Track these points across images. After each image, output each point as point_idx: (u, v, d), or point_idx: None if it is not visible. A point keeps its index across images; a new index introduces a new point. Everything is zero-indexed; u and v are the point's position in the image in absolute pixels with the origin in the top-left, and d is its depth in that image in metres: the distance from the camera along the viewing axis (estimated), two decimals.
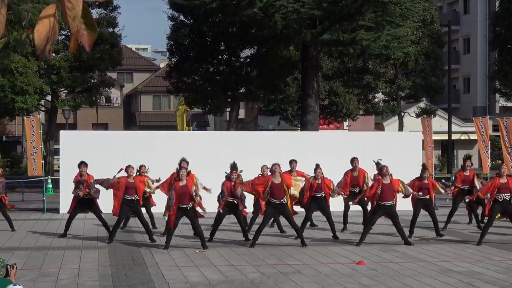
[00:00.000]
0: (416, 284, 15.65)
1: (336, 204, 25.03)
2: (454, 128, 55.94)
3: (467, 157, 27.86)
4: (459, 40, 74.26)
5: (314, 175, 22.46)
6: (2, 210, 24.53)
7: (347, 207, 24.68)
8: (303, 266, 17.88)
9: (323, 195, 22.38)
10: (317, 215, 23.82)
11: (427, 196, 22.93)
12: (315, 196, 22.40)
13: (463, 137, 65.85)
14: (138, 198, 21.86)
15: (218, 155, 29.00)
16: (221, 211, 21.72)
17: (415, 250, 20.49)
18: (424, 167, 24.20)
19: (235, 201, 21.79)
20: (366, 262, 18.32)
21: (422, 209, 23.11)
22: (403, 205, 23.98)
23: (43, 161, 31.99)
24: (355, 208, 24.82)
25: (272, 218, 23.05)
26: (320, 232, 24.17)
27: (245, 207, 22.13)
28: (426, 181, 23.14)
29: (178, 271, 17.11)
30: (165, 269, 17.28)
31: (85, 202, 22.80)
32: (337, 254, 19.75)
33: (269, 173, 22.04)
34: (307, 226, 23.60)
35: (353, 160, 24.53)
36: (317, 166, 22.62)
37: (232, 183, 21.75)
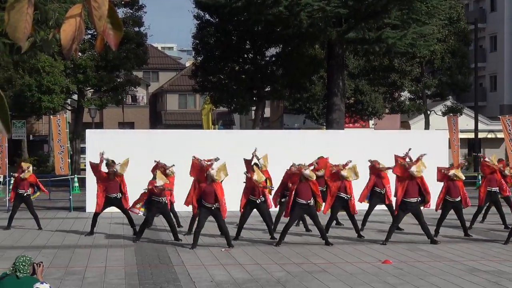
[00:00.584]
0: (443, 283, 15.58)
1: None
2: (480, 126, 55.51)
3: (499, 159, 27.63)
4: (486, 38, 73.72)
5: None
6: (30, 208, 24.65)
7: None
8: (329, 265, 17.85)
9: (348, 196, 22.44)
10: (341, 214, 23.77)
11: (458, 198, 22.64)
12: (339, 196, 22.42)
13: (490, 135, 65.36)
14: (166, 200, 21.92)
15: (241, 154, 28.97)
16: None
17: (441, 249, 20.39)
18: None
19: (257, 201, 21.82)
20: (392, 261, 18.26)
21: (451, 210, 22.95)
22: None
23: (69, 160, 32.15)
24: (380, 207, 24.79)
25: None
26: (346, 231, 24.10)
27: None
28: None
29: (204, 269, 17.14)
30: (191, 268, 17.32)
31: (112, 200, 22.89)
32: (363, 253, 19.70)
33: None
34: (333, 225, 23.58)
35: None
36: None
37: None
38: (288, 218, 21.02)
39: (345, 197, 22.39)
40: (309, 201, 20.61)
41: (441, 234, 22.84)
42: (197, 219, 21.00)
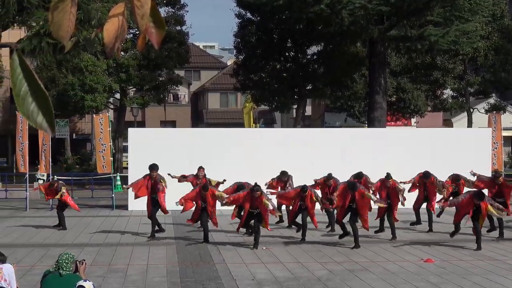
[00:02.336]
0: (486, 282, 15.45)
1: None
2: None
3: None
4: None
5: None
6: (60, 208, 24.56)
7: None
8: (370, 263, 17.79)
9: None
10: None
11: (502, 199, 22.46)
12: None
13: None
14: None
15: (286, 152, 28.97)
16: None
17: (484, 248, 20.18)
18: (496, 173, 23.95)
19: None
20: (434, 260, 18.15)
21: None
22: None
23: (111, 159, 32.38)
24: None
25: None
26: (388, 230, 23.96)
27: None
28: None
29: (245, 267, 17.17)
30: (232, 266, 17.36)
31: (154, 201, 22.86)
32: (405, 252, 19.59)
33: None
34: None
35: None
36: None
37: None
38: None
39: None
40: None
41: (484, 234, 22.64)
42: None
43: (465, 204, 20.08)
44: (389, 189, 22.03)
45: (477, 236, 20.07)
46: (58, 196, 24.22)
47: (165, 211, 22.48)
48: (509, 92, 60.34)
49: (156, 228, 22.34)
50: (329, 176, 23.15)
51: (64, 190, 24.36)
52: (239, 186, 21.88)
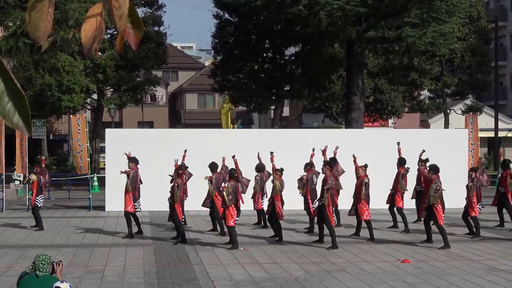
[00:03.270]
0: (462, 282, 15.53)
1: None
2: (501, 125, 55.25)
3: None
4: (506, 36, 73.34)
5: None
6: (35, 209, 24.45)
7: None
8: (347, 264, 17.83)
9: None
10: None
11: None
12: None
13: (510, 134, 65.06)
14: None
15: (261, 153, 28.97)
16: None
17: (460, 248, 20.32)
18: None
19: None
20: (411, 260, 18.22)
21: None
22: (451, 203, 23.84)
23: (89, 159, 32.27)
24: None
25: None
26: (365, 230, 24.04)
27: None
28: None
29: (222, 268, 17.16)
30: (209, 267, 17.35)
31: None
32: (382, 252, 19.66)
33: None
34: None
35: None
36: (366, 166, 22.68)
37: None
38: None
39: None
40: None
41: (459, 234, 22.78)
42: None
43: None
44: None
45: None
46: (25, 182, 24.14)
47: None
48: (485, 93, 60.73)
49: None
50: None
51: (33, 178, 24.22)
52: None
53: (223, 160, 24.10)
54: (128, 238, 22.10)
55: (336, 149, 24.76)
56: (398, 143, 25.18)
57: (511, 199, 24.44)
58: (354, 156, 23.39)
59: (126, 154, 23.32)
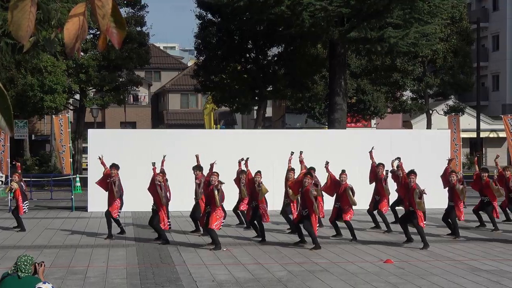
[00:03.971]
0: (444, 282, 15.58)
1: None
2: (482, 126, 55.60)
3: None
4: (488, 37, 73.71)
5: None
6: (16, 211, 24.36)
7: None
8: (330, 264, 17.85)
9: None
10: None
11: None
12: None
13: (492, 135, 65.40)
14: None
15: (244, 153, 28.99)
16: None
17: (443, 248, 20.40)
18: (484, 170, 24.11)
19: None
20: (393, 261, 18.26)
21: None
22: (434, 203, 23.94)
23: (71, 160, 32.17)
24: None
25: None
26: (346, 231, 24.08)
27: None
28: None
29: (205, 269, 17.14)
30: (192, 267, 17.32)
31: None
32: (365, 253, 19.69)
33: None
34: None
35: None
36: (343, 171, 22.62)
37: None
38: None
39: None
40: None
41: (441, 235, 22.86)
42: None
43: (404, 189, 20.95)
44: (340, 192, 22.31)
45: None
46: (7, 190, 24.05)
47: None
48: (467, 94, 60.96)
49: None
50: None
51: (15, 186, 24.06)
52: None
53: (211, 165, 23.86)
54: (109, 238, 22.08)
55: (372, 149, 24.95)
56: (371, 149, 25.12)
57: (497, 205, 24.53)
58: (327, 165, 23.19)
59: (99, 158, 23.26)
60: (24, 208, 24.16)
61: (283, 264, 17.79)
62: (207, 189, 20.34)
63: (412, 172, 20.61)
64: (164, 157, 23.45)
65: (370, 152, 24.86)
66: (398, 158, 23.05)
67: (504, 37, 71.95)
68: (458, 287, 15.20)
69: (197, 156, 24.07)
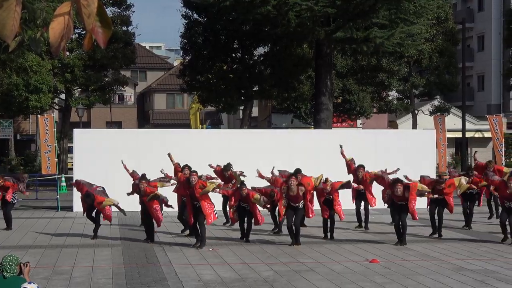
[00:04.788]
0: (430, 282, 15.62)
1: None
2: (468, 126, 55.65)
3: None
4: (474, 37, 73.88)
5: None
6: (5, 208, 24.33)
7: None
8: (316, 264, 17.87)
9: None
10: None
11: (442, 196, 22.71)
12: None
13: (477, 135, 65.53)
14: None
15: (231, 153, 29.00)
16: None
17: (428, 248, 20.46)
18: (440, 177, 24.01)
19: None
20: (379, 260, 18.30)
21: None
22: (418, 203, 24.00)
23: (56, 160, 32.06)
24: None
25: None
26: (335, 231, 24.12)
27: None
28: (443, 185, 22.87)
29: (191, 269, 17.13)
30: (178, 267, 17.30)
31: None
32: (351, 252, 19.72)
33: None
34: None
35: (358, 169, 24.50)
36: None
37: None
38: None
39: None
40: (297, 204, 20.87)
41: (426, 234, 22.94)
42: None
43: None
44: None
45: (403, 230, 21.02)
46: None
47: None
48: (453, 94, 61.11)
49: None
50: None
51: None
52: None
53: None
54: (94, 238, 22.11)
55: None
56: (341, 146, 25.24)
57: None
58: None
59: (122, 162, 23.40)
60: (13, 199, 24.20)
61: (269, 264, 17.80)
62: (189, 188, 20.33)
63: (398, 181, 20.94)
64: (122, 161, 23.54)
65: (341, 151, 24.93)
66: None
67: (490, 37, 72.17)
68: (444, 286, 15.25)
69: (169, 155, 23.96)
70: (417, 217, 21.50)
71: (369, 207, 24.41)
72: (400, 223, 20.81)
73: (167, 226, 24.42)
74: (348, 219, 24.65)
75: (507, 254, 19.52)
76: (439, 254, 19.42)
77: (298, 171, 22.44)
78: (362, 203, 24.46)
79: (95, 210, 22.35)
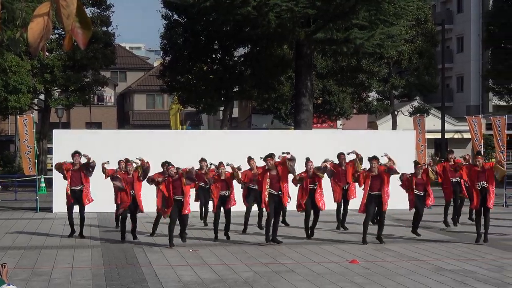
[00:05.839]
0: (409, 282, 15.67)
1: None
2: (447, 126, 55.88)
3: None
4: (453, 38, 74.25)
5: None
6: None
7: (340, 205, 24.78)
8: (296, 264, 17.89)
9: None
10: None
11: (422, 193, 22.60)
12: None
13: (457, 135, 65.84)
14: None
15: (211, 154, 28.97)
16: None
17: (408, 249, 20.52)
18: (416, 163, 23.94)
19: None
20: (359, 261, 18.34)
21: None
22: (398, 204, 24.08)
23: (36, 160, 31.93)
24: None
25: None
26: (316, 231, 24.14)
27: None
28: (420, 177, 22.77)
29: (171, 270, 17.10)
30: (158, 268, 17.27)
31: (77, 196, 22.78)
32: (330, 253, 19.76)
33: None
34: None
35: (339, 156, 24.73)
36: (307, 159, 22.95)
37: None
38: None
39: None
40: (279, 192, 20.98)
41: (406, 235, 23.01)
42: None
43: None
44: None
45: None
46: None
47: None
48: (432, 95, 61.37)
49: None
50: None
51: None
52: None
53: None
54: (80, 237, 22.17)
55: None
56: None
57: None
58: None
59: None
60: None
61: (249, 265, 17.80)
62: (174, 182, 20.51)
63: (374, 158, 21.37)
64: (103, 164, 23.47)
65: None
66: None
67: (469, 39, 72.54)
68: (423, 287, 15.30)
69: (141, 160, 23.67)
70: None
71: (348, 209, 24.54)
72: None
73: (147, 227, 24.36)
74: (327, 220, 24.72)
75: (484, 255, 19.62)
76: (418, 255, 19.49)
77: (271, 154, 22.37)
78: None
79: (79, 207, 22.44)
